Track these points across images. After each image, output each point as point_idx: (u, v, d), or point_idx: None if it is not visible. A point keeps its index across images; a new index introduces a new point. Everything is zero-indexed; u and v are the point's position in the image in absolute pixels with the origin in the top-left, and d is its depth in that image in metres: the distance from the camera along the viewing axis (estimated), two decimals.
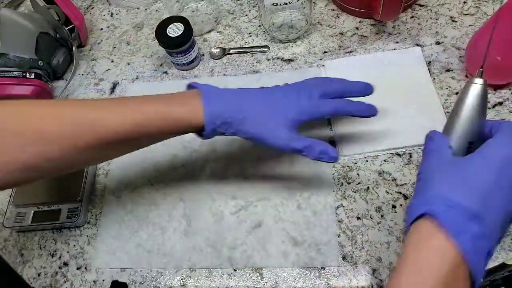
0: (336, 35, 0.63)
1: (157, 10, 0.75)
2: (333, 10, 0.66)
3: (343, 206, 0.50)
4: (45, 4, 0.66)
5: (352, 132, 0.54)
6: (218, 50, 0.66)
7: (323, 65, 0.60)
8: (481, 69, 0.33)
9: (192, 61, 0.65)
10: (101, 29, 0.75)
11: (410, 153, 0.51)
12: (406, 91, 0.55)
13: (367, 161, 0.52)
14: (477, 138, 0.35)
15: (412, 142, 0.51)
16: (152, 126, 0.41)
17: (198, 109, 0.41)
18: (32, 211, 0.56)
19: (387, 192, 0.50)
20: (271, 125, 0.42)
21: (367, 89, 0.47)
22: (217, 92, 0.43)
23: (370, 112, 0.46)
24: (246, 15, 0.69)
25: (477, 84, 0.33)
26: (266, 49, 0.64)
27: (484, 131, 0.35)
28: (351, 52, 0.61)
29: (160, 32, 0.61)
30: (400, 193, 0.49)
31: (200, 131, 0.43)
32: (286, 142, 0.42)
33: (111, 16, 0.77)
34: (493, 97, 0.53)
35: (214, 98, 0.42)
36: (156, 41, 0.63)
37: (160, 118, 0.40)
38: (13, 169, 0.38)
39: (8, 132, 0.38)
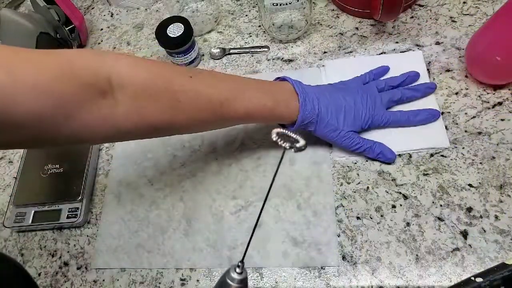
0: (336, 35, 0.63)
1: (157, 10, 0.75)
2: (333, 10, 0.66)
3: (343, 206, 0.50)
4: (45, 4, 0.67)
5: None
6: (218, 50, 0.66)
7: (323, 65, 0.60)
8: (240, 263, 0.29)
9: (192, 61, 0.65)
10: (101, 29, 0.75)
11: (410, 153, 0.51)
12: None
13: (367, 161, 0.52)
14: None
15: (411, 146, 0.51)
16: (257, 116, 0.47)
17: (296, 111, 0.47)
18: (32, 211, 0.56)
19: (387, 192, 0.50)
20: (342, 130, 0.49)
21: (429, 90, 0.54)
22: (307, 94, 0.48)
23: (430, 120, 0.52)
24: (246, 15, 0.70)
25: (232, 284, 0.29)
26: (266, 49, 0.64)
27: None
28: (351, 52, 0.61)
29: (160, 32, 0.61)
30: (400, 193, 0.49)
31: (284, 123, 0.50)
32: (352, 145, 0.50)
33: (111, 16, 0.77)
34: (493, 97, 0.53)
35: (307, 101, 0.47)
36: (156, 41, 0.63)
37: (267, 112, 0.46)
38: (145, 131, 0.42)
39: (166, 92, 0.40)
